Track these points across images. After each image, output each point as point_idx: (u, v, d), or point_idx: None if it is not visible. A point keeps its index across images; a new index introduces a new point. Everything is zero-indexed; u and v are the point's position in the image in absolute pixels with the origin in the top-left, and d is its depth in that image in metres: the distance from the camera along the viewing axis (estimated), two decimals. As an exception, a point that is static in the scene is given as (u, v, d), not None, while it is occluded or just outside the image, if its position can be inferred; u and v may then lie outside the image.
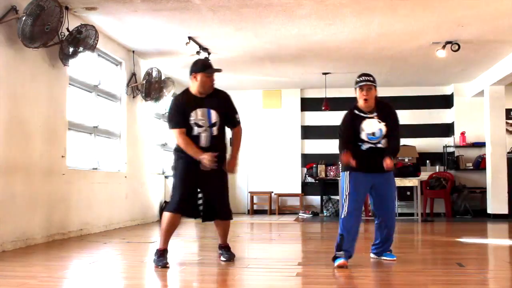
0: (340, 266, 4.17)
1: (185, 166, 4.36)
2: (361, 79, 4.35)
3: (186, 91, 4.47)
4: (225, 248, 4.62)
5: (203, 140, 4.32)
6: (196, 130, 4.32)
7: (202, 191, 4.45)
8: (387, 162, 4.21)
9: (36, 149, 5.89)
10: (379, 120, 4.33)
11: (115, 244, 6.04)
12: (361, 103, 4.37)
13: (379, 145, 4.33)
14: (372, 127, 4.32)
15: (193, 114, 4.31)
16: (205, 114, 4.33)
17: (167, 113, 4.65)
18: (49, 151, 6.14)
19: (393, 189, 4.50)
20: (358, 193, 4.32)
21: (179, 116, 4.35)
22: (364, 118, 4.34)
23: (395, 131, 4.40)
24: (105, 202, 7.50)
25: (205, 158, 4.21)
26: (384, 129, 4.31)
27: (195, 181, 4.38)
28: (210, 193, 4.45)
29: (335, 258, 4.27)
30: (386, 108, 4.44)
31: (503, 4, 6.34)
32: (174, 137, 4.44)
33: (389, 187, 4.45)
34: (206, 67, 4.42)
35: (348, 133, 4.40)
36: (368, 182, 4.37)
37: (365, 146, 4.34)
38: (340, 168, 4.53)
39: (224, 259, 4.53)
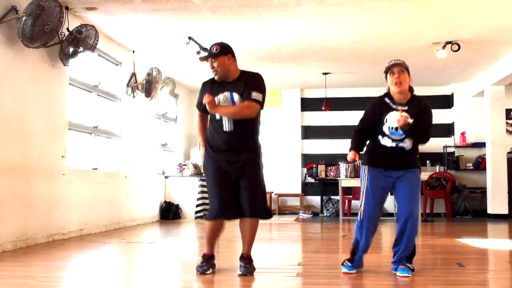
0: (345, 273, 4.06)
1: (215, 166, 4.09)
2: (391, 63, 3.88)
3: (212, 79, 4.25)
4: (245, 260, 4.07)
5: (226, 124, 4.04)
6: (218, 115, 4.10)
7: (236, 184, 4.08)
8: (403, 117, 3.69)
9: (36, 149, 5.89)
10: (409, 116, 3.77)
11: (115, 244, 6.04)
12: (393, 88, 3.86)
13: (401, 144, 3.85)
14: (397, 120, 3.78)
15: (215, 99, 4.06)
16: (228, 98, 4.07)
17: None
18: (49, 151, 6.14)
19: (413, 189, 3.89)
20: (374, 193, 3.94)
21: (201, 100, 4.16)
22: (392, 109, 3.86)
23: (425, 123, 3.87)
24: (105, 202, 7.50)
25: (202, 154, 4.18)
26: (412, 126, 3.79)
27: (228, 179, 4.07)
28: (241, 186, 4.06)
29: (343, 263, 4.12)
30: (420, 104, 3.90)
31: (503, 4, 6.34)
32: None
33: (408, 186, 3.90)
34: (205, 55, 4.18)
35: (363, 124, 4.01)
36: (388, 181, 3.94)
37: (387, 144, 3.88)
38: (360, 162, 4.14)
39: (240, 273, 4.00)
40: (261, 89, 4.15)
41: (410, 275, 3.88)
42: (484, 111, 10.41)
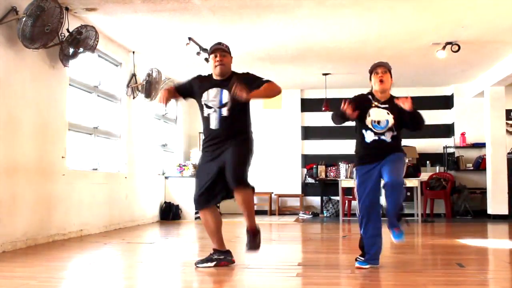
0: (358, 268, 4.18)
1: (201, 161, 4.32)
2: (375, 64, 4.27)
3: (210, 75, 4.37)
4: (250, 234, 4.18)
5: (213, 121, 4.17)
6: (206, 111, 4.21)
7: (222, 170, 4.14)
8: (406, 99, 4.01)
9: (36, 150, 5.89)
10: (389, 112, 4.15)
11: (115, 244, 6.04)
12: (376, 87, 4.22)
13: (383, 137, 4.13)
14: (379, 115, 4.14)
15: (204, 95, 4.21)
16: (217, 94, 4.18)
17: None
18: (49, 151, 6.14)
19: (395, 160, 4.08)
20: (364, 188, 4.15)
21: (184, 82, 4.41)
22: (374, 105, 4.19)
23: (416, 112, 4.16)
24: (105, 203, 7.50)
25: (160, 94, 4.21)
26: (391, 121, 4.13)
27: (208, 172, 4.15)
28: (225, 164, 4.08)
29: (356, 259, 4.26)
30: (399, 106, 4.17)
31: (503, 5, 6.35)
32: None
33: (390, 163, 4.07)
34: (211, 49, 4.30)
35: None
36: (376, 171, 4.14)
37: (369, 138, 4.16)
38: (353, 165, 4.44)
39: (247, 248, 4.18)
40: (258, 76, 4.33)
41: (403, 239, 4.08)
42: (484, 112, 10.41)
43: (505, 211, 9.92)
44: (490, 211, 10.08)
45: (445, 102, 11.44)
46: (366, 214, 4.15)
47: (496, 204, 9.98)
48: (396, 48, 8.18)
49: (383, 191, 4.13)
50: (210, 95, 4.20)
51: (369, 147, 4.17)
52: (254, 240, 4.18)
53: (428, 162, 11.11)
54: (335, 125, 4.60)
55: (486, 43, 7.96)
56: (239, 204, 4.11)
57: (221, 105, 4.17)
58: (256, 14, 6.61)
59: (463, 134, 11.01)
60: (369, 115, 4.17)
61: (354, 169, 4.35)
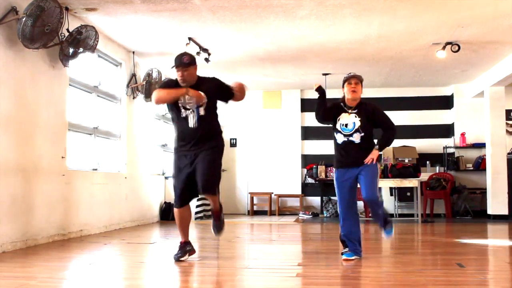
0: (345, 260, 4.60)
1: (177, 162, 4.64)
2: (348, 75, 4.70)
3: (177, 80, 4.64)
4: (214, 216, 4.89)
5: (191, 120, 4.51)
6: (183, 112, 4.54)
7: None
8: (370, 156, 4.56)
9: (36, 150, 5.89)
10: (356, 115, 4.63)
11: (115, 245, 6.04)
12: (348, 95, 4.66)
13: (351, 138, 4.60)
14: (347, 119, 4.64)
15: (181, 97, 4.52)
16: (190, 98, 4.50)
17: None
18: (49, 151, 6.14)
19: (369, 178, 4.58)
20: (342, 190, 4.67)
21: (167, 85, 4.66)
22: (344, 111, 4.67)
23: (385, 122, 4.69)
24: (105, 203, 7.50)
25: (187, 91, 4.43)
26: (358, 123, 4.59)
27: (185, 171, 4.56)
28: (196, 169, 4.55)
29: (342, 253, 4.70)
30: (368, 108, 4.68)
31: (503, 5, 6.34)
32: (153, 98, 4.62)
33: (364, 178, 4.59)
34: (175, 62, 4.54)
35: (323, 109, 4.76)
36: (350, 177, 4.64)
37: (339, 139, 4.65)
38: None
39: (213, 231, 4.91)
40: (226, 83, 4.71)
41: (392, 234, 4.79)
42: (484, 112, 10.41)
43: (505, 211, 9.92)
44: (490, 211, 10.08)
45: (445, 102, 11.44)
46: (343, 213, 4.71)
47: (496, 204, 9.98)
48: (396, 48, 8.18)
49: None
50: (187, 98, 4.50)
51: (341, 148, 4.67)
52: (218, 221, 4.87)
53: (428, 162, 11.11)
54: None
55: (486, 43, 7.95)
56: (209, 201, 4.87)
57: (198, 106, 4.51)
58: (256, 14, 6.61)
59: (463, 134, 11.01)
60: (339, 120, 4.68)
61: (334, 170, 4.81)
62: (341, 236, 4.73)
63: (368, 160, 4.55)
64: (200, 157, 4.51)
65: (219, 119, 4.76)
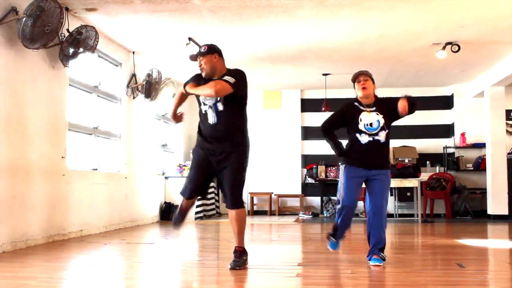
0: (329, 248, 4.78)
1: (199, 154, 4.43)
2: (356, 72, 4.55)
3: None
4: (237, 253, 4.27)
5: (210, 116, 4.31)
6: (203, 108, 4.38)
7: (216, 177, 4.43)
8: (403, 101, 4.25)
9: (36, 150, 5.89)
10: (378, 113, 4.46)
11: (115, 245, 6.04)
12: (359, 94, 4.50)
13: (377, 138, 4.42)
14: (370, 118, 4.45)
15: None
16: None
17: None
18: (49, 152, 6.14)
19: (385, 187, 4.47)
20: (351, 185, 4.47)
21: (191, 80, 4.47)
22: (362, 110, 4.48)
23: (396, 99, 4.42)
24: (105, 203, 7.50)
25: (185, 90, 4.37)
26: (382, 121, 4.42)
27: (205, 168, 4.37)
28: (222, 178, 4.34)
29: (329, 237, 4.75)
30: (383, 102, 4.55)
31: (503, 5, 6.35)
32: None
33: (381, 184, 4.45)
34: (195, 54, 4.46)
35: (331, 124, 4.68)
36: (362, 176, 4.49)
37: (364, 140, 4.44)
38: (340, 162, 4.69)
39: (230, 267, 4.19)
40: (235, 75, 4.30)
41: (381, 264, 4.34)
42: (484, 112, 10.42)
43: (505, 211, 9.92)
44: (490, 211, 10.08)
45: (445, 102, 11.44)
46: (344, 210, 4.50)
47: (496, 204, 9.98)
48: (396, 48, 8.18)
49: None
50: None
51: (366, 149, 4.44)
52: (239, 259, 4.25)
53: (428, 162, 11.12)
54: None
55: (486, 43, 7.96)
56: (232, 221, 4.34)
57: (216, 101, 4.30)
58: (256, 14, 6.61)
59: (463, 134, 11.01)
60: (361, 120, 4.47)
61: (343, 165, 4.57)
62: (336, 225, 4.64)
63: (404, 105, 4.23)
64: (227, 163, 4.26)
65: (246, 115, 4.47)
